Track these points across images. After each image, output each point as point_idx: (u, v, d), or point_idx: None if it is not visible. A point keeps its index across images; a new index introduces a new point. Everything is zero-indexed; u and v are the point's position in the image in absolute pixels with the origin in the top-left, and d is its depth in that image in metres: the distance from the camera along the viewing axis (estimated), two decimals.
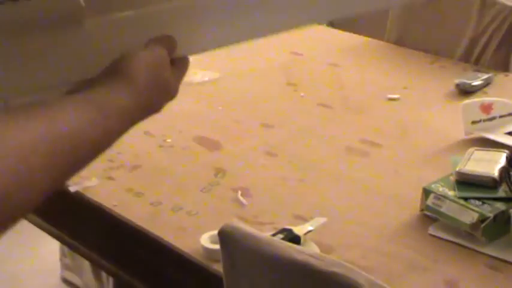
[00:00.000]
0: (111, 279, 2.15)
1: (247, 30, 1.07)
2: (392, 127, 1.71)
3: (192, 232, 1.33)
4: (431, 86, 2.01)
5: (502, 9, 2.17)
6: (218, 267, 1.20)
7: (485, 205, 1.30)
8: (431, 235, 1.33)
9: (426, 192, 1.36)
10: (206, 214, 1.41)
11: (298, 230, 1.27)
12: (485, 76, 1.98)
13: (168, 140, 1.71)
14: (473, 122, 1.67)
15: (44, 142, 0.70)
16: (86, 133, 0.75)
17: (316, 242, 1.28)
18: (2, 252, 2.62)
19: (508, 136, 1.64)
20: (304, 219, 1.35)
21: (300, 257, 0.99)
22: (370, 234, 1.35)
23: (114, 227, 1.47)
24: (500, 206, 1.30)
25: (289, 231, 1.26)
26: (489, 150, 1.45)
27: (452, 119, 1.72)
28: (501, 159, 1.39)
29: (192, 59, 0.93)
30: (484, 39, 2.21)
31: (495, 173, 1.35)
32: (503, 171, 1.35)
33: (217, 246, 1.14)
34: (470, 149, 1.46)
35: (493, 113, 1.68)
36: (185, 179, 1.54)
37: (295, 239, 1.23)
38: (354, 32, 2.48)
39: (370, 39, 2.40)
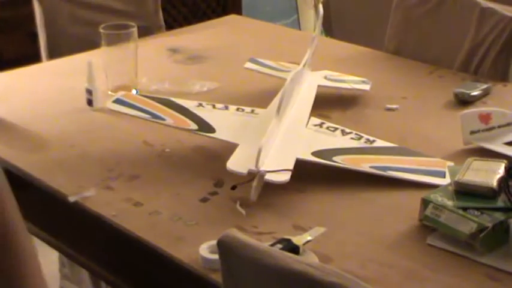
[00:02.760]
0: None
1: None
2: (391, 137, 1.71)
3: (191, 242, 1.33)
4: (430, 95, 2.01)
5: (501, 19, 2.17)
6: (217, 277, 1.20)
7: (484, 215, 1.30)
8: (430, 245, 1.33)
9: (425, 202, 1.36)
10: (205, 224, 1.41)
11: (297, 240, 1.27)
12: (484, 86, 1.98)
13: (167, 150, 1.71)
14: (472, 132, 1.67)
15: None
16: None
17: (315, 252, 1.28)
18: None
19: (507, 146, 1.64)
20: (303, 229, 1.35)
21: (299, 267, 0.98)
22: (369, 244, 1.35)
23: (113, 237, 1.47)
24: (499, 216, 1.30)
25: (288, 241, 1.26)
26: (488, 160, 1.45)
27: (451, 129, 1.73)
28: (500, 169, 1.39)
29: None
30: (482, 49, 2.21)
31: (494, 183, 1.36)
32: (502, 181, 1.35)
33: (216, 256, 1.14)
34: (469, 159, 1.46)
35: (492, 123, 1.68)
36: (184, 188, 1.54)
37: (294, 249, 1.23)
38: (352, 42, 2.48)
39: (368, 49, 2.40)
